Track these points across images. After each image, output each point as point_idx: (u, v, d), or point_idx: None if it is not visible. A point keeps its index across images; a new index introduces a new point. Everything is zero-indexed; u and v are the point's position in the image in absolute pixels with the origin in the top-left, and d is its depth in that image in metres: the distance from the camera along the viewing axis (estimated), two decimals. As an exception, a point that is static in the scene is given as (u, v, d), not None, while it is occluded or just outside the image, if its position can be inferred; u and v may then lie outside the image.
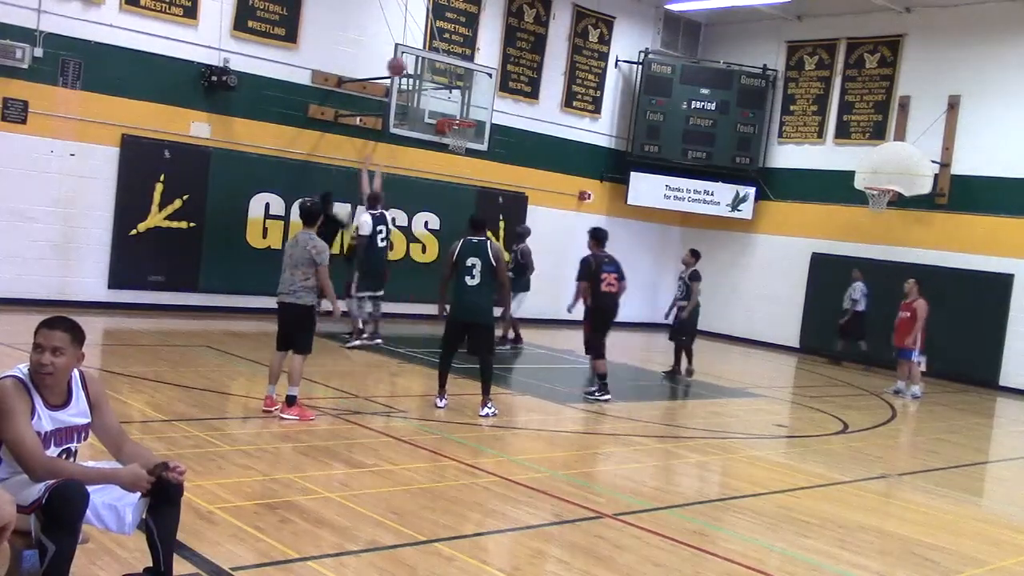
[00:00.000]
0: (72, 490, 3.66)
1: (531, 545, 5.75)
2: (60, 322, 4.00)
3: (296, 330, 8.51)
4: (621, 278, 11.41)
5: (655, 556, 5.70)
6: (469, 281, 9.52)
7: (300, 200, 12.30)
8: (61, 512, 3.62)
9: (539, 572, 5.29)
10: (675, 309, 14.18)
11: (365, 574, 4.92)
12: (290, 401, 8.31)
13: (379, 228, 13.40)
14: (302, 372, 8.46)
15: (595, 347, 11.35)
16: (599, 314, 11.36)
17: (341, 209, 14.48)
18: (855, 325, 17.56)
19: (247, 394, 9.71)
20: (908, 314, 14.59)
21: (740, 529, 6.54)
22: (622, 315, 20.50)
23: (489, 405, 9.49)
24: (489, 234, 10.14)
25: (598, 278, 11.15)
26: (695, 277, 13.83)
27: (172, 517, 4.07)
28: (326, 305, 8.84)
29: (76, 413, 4.03)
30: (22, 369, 3.95)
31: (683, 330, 14.00)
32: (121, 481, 3.89)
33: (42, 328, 3.96)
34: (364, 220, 13.37)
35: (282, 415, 8.25)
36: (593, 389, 11.36)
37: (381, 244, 13.56)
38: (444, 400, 9.64)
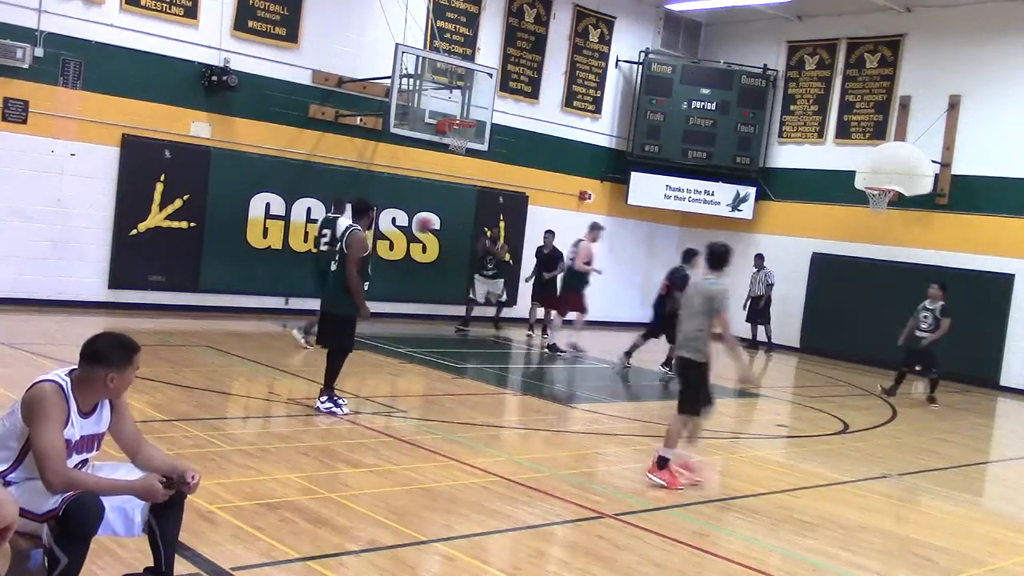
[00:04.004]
0: (89, 504, 3.67)
1: (531, 545, 5.75)
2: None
3: (682, 386, 7.70)
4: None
5: (655, 556, 5.70)
6: (333, 266, 8.89)
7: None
8: (77, 526, 3.63)
9: (539, 572, 5.29)
10: (914, 336, 14.15)
11: (365, 574, 4.92)
12: (661, 463, 7.46)
13: None
14: (679, 433, 7.58)
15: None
16: None
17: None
18: (767, 309, 18.98)
19: (247, 394, 9.73)
20: None
21: (740, 529, 6.54)
22: (620, 315, 20.62)
23: (325, 400, 8.68)
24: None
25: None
26: (946, 312, 14.00)
27: (176, 518, 4.08)
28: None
29: (100, 420, 4.05)
30: (61, 375, 3.90)
31: (930, 360, 14.12)
32: (136, 493, 3.89)
33: (137, 354, 4.06)
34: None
35: (649, 475, 7.46)
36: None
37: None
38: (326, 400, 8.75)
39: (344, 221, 9.49)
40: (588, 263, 15.08)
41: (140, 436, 4.20)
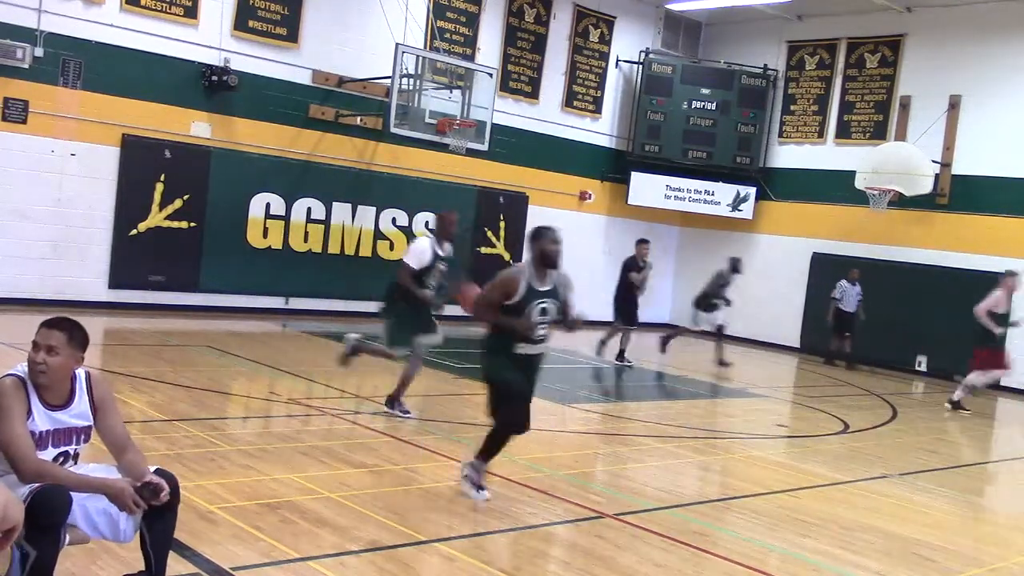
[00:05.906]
0: (54, 496, 3.61)
1: (531, 545, 5.76)
2: (60, 322, 3.97)
3: None
4: None
5: (655, 556, 5.70)
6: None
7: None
8: (42, 517, 3.57)
9: (539, 572, 5.29)
10: None
11: (365, 574, 4.92)
12: None
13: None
14: None
15: None
16: None
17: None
18: (854, 324, 17.69)
19: (248, 394, 9.73)
20: None
21: (740, 529, 6.54)
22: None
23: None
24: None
25: None
26: None
27: (167, 524, 4.03)
28: None
29: (77, 415, 3.99)
30: (22, 368, 3.92)
31: None
32: (107, 493, 3.82)
33: (41, 327, 3.95)
34: None
35: None
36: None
37: None
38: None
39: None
40: (992, 314, 13.13)
41: (128, 440, 4.13)
